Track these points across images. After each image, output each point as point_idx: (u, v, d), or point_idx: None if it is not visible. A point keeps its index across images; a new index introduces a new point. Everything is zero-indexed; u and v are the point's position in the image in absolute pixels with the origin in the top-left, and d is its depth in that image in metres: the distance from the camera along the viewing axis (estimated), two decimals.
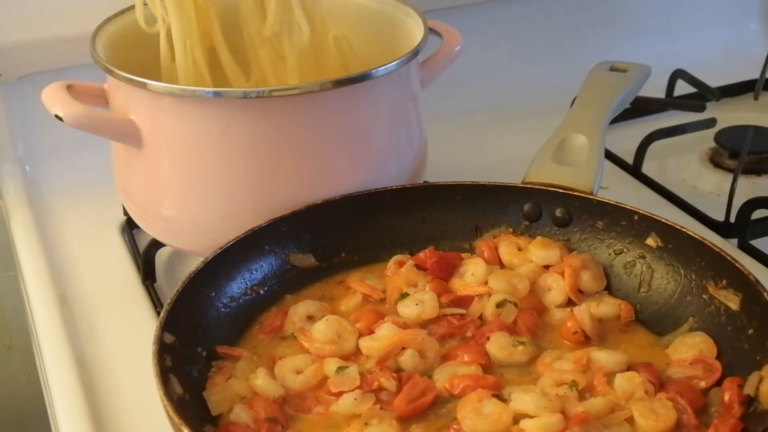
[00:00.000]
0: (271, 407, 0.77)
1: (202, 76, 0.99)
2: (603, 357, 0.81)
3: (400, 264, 0.93)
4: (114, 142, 0.99)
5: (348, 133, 0.95)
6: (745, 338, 0.81)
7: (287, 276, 0.93)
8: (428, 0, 1.10)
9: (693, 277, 0.87)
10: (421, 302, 0.87)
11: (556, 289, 0.91)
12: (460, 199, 0.98)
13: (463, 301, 0.89)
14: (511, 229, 0.98)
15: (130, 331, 0.97)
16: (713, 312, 0.84)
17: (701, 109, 1.30)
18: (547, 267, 0.93)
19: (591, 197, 0.94)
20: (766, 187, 1.20)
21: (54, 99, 0.92)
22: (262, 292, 0.91)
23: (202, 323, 0.85)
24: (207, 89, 0.90)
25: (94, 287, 1.05)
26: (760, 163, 1.22)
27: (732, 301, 0.83)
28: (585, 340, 0.85)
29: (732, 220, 1.09)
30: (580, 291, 0.91)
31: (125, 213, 1.12)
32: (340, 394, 0.79)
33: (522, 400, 0.75)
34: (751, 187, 1.20)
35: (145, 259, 1.04)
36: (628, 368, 0.80)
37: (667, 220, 0.90)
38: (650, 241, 0.91)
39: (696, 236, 0.88)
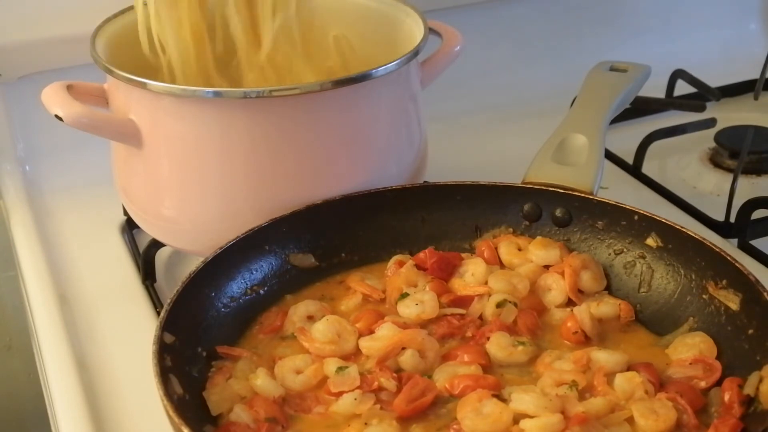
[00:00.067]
0: (271, 407, 0.77)
1: None
2: (603, 357, 0.81)
3: (400, 264, 0.93)
4: (114, 142, 0.99)
5: (348, 133, 0.95)
6: (745, 338, 0.81)
7: (287, 276, 0.93)
8: (428, 0, 1.10)
9: (693, 277, 0.87)
10: (421, 302, 0.87)
11: (556, 289, 0.91)
12: (460, 199, 0.98)
13: (463, 301, 0.89)
14: (511, 229, 0.98)
15: (130, 331, 0.97)
16: (713, 312, 0.84)
17: (701, 109, 1.30)
18: (547, 267, 0.93)
19: (591, 197, 0.94)
20: (766, 187, 1.20)
21: (54, 99, 0.92)
22: (262, 292, 0.91)
23: (202, 323, 0.85)
24: (207, 89, 0.90)
25: (94, 287, 1.05)
26: (760, 163, 1.22)
27: (732, 301, 0.83)
28: (585, 340, 0.85)
29: (732, 220, 1.09)
30: (580, 291, 0.91)
31: (125, 213, 1.12)
32: (340, 394, 0.79)
33: (522, 400, 0.75)
34: (751, 187, 1.20)
35: (145, 259, 1.04)
36: (628, 368, 0.80)
37: (667, 220, 0.90)
38: (650, 241, 0.91)
39: (696, 236, 0.88)
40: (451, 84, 1.18)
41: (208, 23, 0.99)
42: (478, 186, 0.98)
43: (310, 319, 0.88)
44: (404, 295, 0.89)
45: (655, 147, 1.23)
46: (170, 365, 0.77)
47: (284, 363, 0.82)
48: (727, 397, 0.76)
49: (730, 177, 1.15)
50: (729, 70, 1.45)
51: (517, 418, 0.74)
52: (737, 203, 1.09)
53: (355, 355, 0.84)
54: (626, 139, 1.25)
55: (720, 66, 1.48)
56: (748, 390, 0.76)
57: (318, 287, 0.94)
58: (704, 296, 0.86)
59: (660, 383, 0.79)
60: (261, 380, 0.80)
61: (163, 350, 0.77)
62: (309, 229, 0.95)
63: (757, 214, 1.08)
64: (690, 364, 0.81)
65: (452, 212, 0.98)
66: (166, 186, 0.96)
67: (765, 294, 0.80)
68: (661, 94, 1.39)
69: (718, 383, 0.79)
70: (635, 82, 1.11)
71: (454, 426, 0.75)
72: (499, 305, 0.87)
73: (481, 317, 0.88)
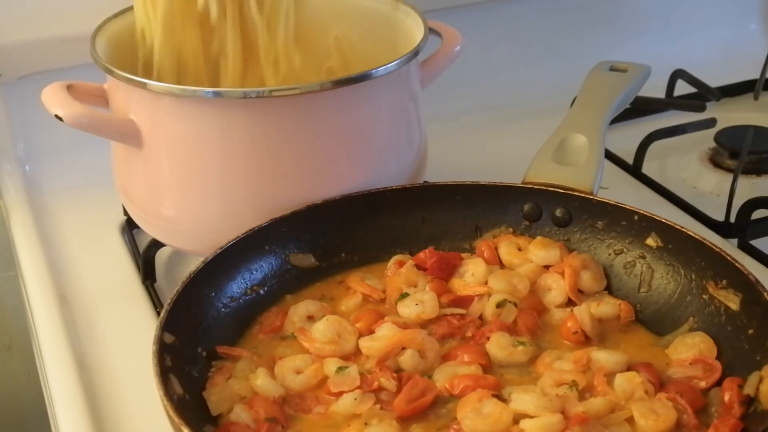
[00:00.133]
0: (271, 407, 0.77)
1: None
2: (603, 357, 0.81)
3: (400, 264, 0.93)
4: (114, 142, 0.99)
5: (348, 133, 0.95)
6: (745, 338, 0.81)
7: (287, 276, 0.93)
8: (428, 0, 1.10)
9: (693, 277, 0.87)
10: (421, 302, 0.87)
11: (556, 289, 0.91)
12: (460, 199, 0.98)
13: (463, 301, 0.89)
14: (511, 229, 0.98)
15: (130, 331, 0.97)
16: (713, 312, 0.84)
17: (701, 109, 1.30)
18: (547, 267, 0.93)
19: (591, 197, 0.94)
20: (766, 187, 1.20)
21: (54, 99, 0.92)
22: (262, 292, 0.91)
23: (202, 323, 0.85)
24: (207, 89, 0.90)
25: (94, 287, 1.05)
26: (760, 163, 1.22)
27: (732, 301, 0.83)
28: (585, 340, 0.85)
29: (732, 220, 1.09)
30: (580, 291, 0.91)
31: (125, 213, 1.12)
32: (340, 394, 0.79)
33: (522, 400, 0.75)
34: (751, 187, 1.20)
35: (145, 259, 1.04)
36: (628, 368, 0.80)
37: (667, 220, 0.90)
38: (650, 241, 0.91)
39: (696, 236, 0.88)
40: (451, 84, 1.18)
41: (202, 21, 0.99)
42: (478, 186, 0.98)
43: (310, 319, 0.88)
44: (404, 295, 0.89)
45: (655, 147, 1.23)
46: (170, 365, 0.77)
47: (284, 363, 0.82)
48: (727, 397, 0.76)
49: (730, 177, 1.15)
50: (729, 70, 1.45)
51: (517, 418, 0.74)
52: (737, 203, 1.09)
53: (355, 355, 0.84)
54: (626, 139, 1.25)
55: (720, 66, 1.48)
56: (748, 390, 0.76)
57: (318, 287, 0.94)
58: (704, 296, 0.86)
59: (660, 383, 0.79)
60: (261, 380, 0.80)
61: (163, 350, 0.77)
62: (309, 229, 0.95)
63: (757, 214, 1.08)
64: (690, 364, 0.81)
65: (452, 212, 0.98)
66: (166, 186, 0.96)
67: (765, 294, 0.80)
68: (661, 94, 1.39)
69: (718, 383, 0.79)
70: (635, 82, 1.11)
71: (454, 426, 0.75)
72: (499, 305, 0.87)
73: (481, 317, 0.88)
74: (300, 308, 0.89)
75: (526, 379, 0.81)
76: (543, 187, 0.96)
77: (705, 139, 1.28)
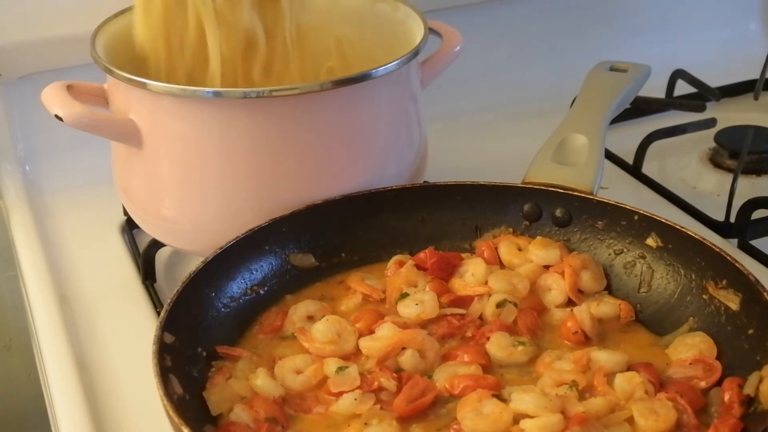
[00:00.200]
0: (271, 407, 0.77)
1: None
2: (603, 357, 0.81)
3: (400, 264, 0.93)
4: (114, 142, 0.99)
5: (348, 133, 0.95)
6: (745, 338, 0.81)
7: (287, 276, 0.93)
8: (428, 0, 1.10)
9: (693, 277, 0.87)
10: (421, 302, 0.87)
11: (556, 289, 0.91)
12: (460, 199, 0.98)
13: (463, 301, 0.89)
14: (511, 229, 0.98)
15: (130, 331, 0.97)
16: (713, 312, 0.84)
17: (701, 109, 1.30)
18: (547, 267, 0.93)
19: (591, 197, 0.94)
20: (766, 187, 1.20)
21: (54, 99, 0.92)
22: (262, 292, 0.91)
23: (202, 323, 0.85)
24: (207, 89, 0.90)
25: (94, 287, 1.05)
26: (760, 163, 1.22)
27: (732, 301, 0.83)
28: (585, 340, 0.85)
29: (732, 220, 1.09)
30: (580, 291, 0.91)
31: (125, 213, 1.12)
32: (340, 394, 0.79)
33: (522, 400, 0.75)
34: (751, 187, 1.20)
35: (145, 259, 1.04)
36: (628, 368, 0.80)
37: (667, 220, 0.90)
38: (650, 241, 0.91)
39: (696, 236, 0.88)
40: (451, 84, 1.18)
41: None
42: (478, 186, 0.98)
43: (310, 319, 0.88)
44: (404, 295, 0.89)
45: (655, 147, 1.23)
46: (170, 365, 0.77)
47: (284, 363, 0.82)
48: (727, 397, 0.76)
49: (730, 177, 1.15)
50: (729, 70, 1.45)
51: (517, 418, 0.74)
52: (737, 203, 1.09)
53: (355, 355, 0.84)
54: (626, 139, 1.25)
55: (720, 66, 1.48)
56: (748, 390, 0.76)
57: (318, 287, 0.94)
58: (704, 296, 0.86)
59: (660, 383, 0.79)
60: (261, 380, 0.80)
61: (163, 350, 0.77)
62: (309, 229, 0.95)
63: (757, 214, 1.08)
64: (690, 364, 0.81)
65: (452, 212, 0.98)
66: (166, 186, 0.96)
67: (765, 294, 0.80)
68: (661, 94, 1.39)
69: (718, 383, 0.79)
70: (635, 82, 1.11)
71: (454, 426, 0.75)
72: (499, 305, 0.87)
73: (481, 317, 0.88)
74: (300, 308, 0.89)
75: (526, 379, 0.81)
76: (543, 187, 0.96)
77: (705, 139, 1.28)
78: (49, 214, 1.18)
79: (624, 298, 0.90)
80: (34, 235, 1.13)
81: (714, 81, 1.40)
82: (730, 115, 1.34)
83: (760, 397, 0.75)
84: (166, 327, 0.79)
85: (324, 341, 0.84)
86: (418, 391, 0.78)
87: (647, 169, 1.22)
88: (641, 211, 0.92)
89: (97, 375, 0.92)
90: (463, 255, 0.95)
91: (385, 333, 0.84)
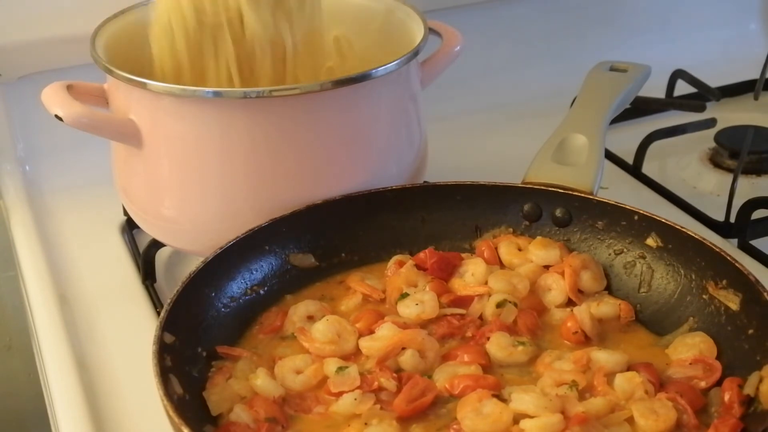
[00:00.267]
0: (271, 407, 0.77)
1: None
2: (603, 357, 0.81)
3: (400, 264, 0.93)
4: (114, 142, 0.99)
5: (348, 133, 0.95)
6: (745, 338, 0.81)
7: (287, 276, 0.93)
8: (428, 0, 1.10)
9: (693, 277, 0.87)
10: (421, 302, 0.87)
11: (556, 289, 0.91)
12: (460, 199, 0.98)
13: (463, 301, 0.89)
14: (511, 229, 0.98)
15: (130, 331, 0.97)
16: (713, 312, 0.84)
17: (701, 109, 1.30)
18: (547, 267, 0.93)
19: (591, 197, 0.94)
20: (766, 187, 1.20)
21: (54, 99, 0.92)
22: (262, 292, 0.91)
23: (202, 323, 0.85)
24: (207, 89, 0.90)
25: (94, 287, 1.05)
26: (760, 163, 1.22)
27: (732, 301, 0.83)
28: (585, 340, 0.85)
29: (732, 220, 1.09)
30: (580, 291, 0.91)
31: (125, 213, 1.12)
32: (340, 394, 0.79)
33: (522, 400, 0.75)
34: (751, 187, 1.19)
35: (145, 259, 1.04)
36: (628, 368, 0.80)
37: (667, 220, 0.90)
38: (650, 241, 0.91)
39: (696, 236, 0.88)
40: (451, 84, 1.18)
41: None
42: (478, 186, 0.98)
43: (310, 319, 0.88)
44: (404, 295, 0.89)
45: (655, 147, 1.23)
46: (170, 365, 0.77)
47: (284, 363, 0.82)
48: (727, 397, 0.76)
49: (730, 177, 1.15)
50: (729, 70, 1.45)
51: (517, 418, 0.74)
52: (737, 203, 1.09)
53: (355, 355, 0.84)
54: (626, 139, 1.25)
55: (720, 66, 1.48)
56: (748, 390, 0.76)
57: (318, 287, 0.94)
58: (704, 296, 0.86)
59: (660, 383, 0.79)
60: (261, 380, 0.80)
61: (163, 350, 0.77)
62: (309, 229, 0.95)
63: (757, 214, 1.08)
64: (690, 364, 0.81)
65: (452, 212, 0.98)
66: (166, 186, 0.96)
67: (765, 294, 0.80)
68: (661, 94, 1.39)
69: (718, 383, 0.79)
70: (635, 82, 1.11)
71: (454, 426, 0.75)
72: (499, 305, 0.87)
73: (481, 317, 0.88)
74: (300, 308, 0.89)
75: (526, 379, 0.81)
76: (543, 187, 0.96)
77: (705, 139, 1.28)
78: (49, 214, 1.18)
79: (624, 298, 0.90)
80: (34, 235, 1.13)
81: (714, 81, 1.40)
82: (730, 115, 1.34)
83: (760, 397, 0.75)
84: (166, 327, 0.79)
85: (324, 341, 0.84)
86: (418, 391, 0.78)
87: (647, 169, 1.22)
88: (641, 211, 0.92)
89: (97, 375, 0.92)
90: (463, 255, 0.95)
91: (385, 333, 0.84)
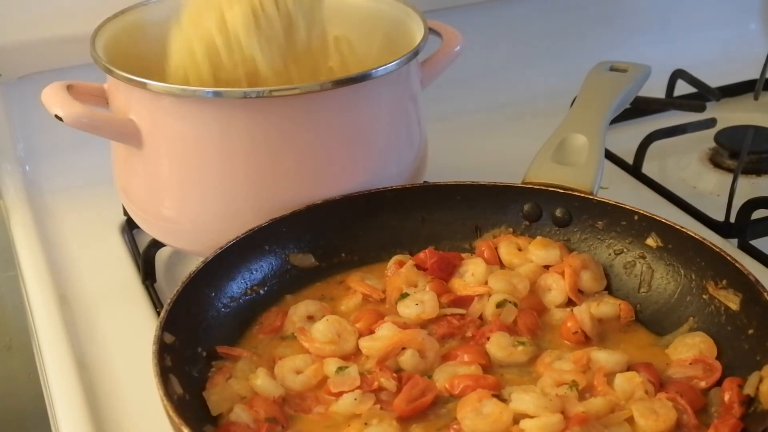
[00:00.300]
0: (271, 407, 0.77)
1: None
2: (603, 357, 0.81)
3: (400, 264, 0.93)
4: (114, 142, 0.99)
5: (348, 133, 0.95)
6: (745, 338, 0.81)
7: (287, 276, 0.93)
8: (428, 0, 1.10)
9: (693, 277, 0.87)
10: (421, 302, 0.87)
11: (556, 289, 0.91)
12: (460, 199, 0.98)
13: (463, 301, 0.89)
14: (511, 229, 0.98)
15: (130, 331, 0.97)
16: (713, 312, 0.84)
17: (701, 109, 1.30)
18: (547, 267, 0.93)
19: (591, 197, 0.94)
20: (766, 187, 1.20)
21: (54, 99, 0.92)
22: (262, 292, 0.91)
23: (202, 323, 0.85)
24: (207, 89, 0.90)
25: (94, 287, 1.05)
26: (760, 163, 1.22)
27: (732, 301, 0.83)
28: (585, 340, 0.85)
29: (732, 220, 1.09)
30: (580, 291, 0.91)
31: (125, 213, 1.12)
32: (340, 394, 0.79)
33: (522, 400, 0.75)
34: (751, 187, 1.19)
35: (145, 259, 1.04)
36: (628, 368, 0.80)
37: (667, 220, 0.90)
38: (650, 241, 0.91)
39: (696, 236, 0.88)
40: (451, 84, 1.18)
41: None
42: (478, 186, 0.98)
43: (310, 319, 0.88)
44: (404, 295, 0.89)
45: (655, 147, 1.23)
46: (170, 365, 0.77)
47: (284, 363, 0.82)
48: (727, 397, 0.76)
49: (730, 177, 1.15)
50: (729, 70, 1.45)
51: (517, 418, 0.74)
52: (737, 203, 1.09)
53: (355, 355, 0.84)
54: (626, 139, 1.25)
55: (720, 66, 1.48)
56: (748, 390, 0.76)
57: (318, 287, 0.94)
58: (704, 296, 0.86)
59: (660, 383, 0.79)
60: (261, 380, 0.80)
61: (163, 350, 0.77)
62: (309, 229, 0.95)
63: (757, 214, 1.08)
64: (690, 364, 0.81)
65: (452, 212, 0.98)
66: (166, 186, 0.96)
67: (765, 294, 0.80)
68: (661, 94, 1.39)
69: (718, 383, 0.79)
70: (635, 82, 1.11)
71: (454, 426, 0.75)
72: (499, 305, 0.87)
73: (481, 317, 0.88)
74: (300, 308, 0.89)
75: (526, 379, 0.81)
76: (543, 187, 0.96)
77: (705, 139, 1.28)
78: (49, 214, 1.18)
79: (624, 298, 0.90)
80: (34, 235, 1.13)
81: (714, 81, 1.40)
82: (730, 115, 1.34)
83: (760, 397, 0.75)
84: (166, 327, 0.79)
85: (324, 341, 0.84)
86: (418, 391, 0.78)
87: (647, 169, 1.22)
88: (641, 211, 0.92)
89: (97, 375, 0.92)
90: (463, 255, 0.95)
91: (385, 333, 0.84)
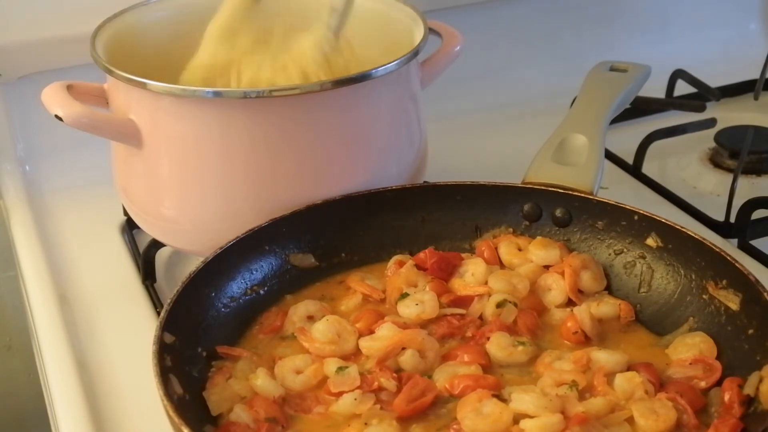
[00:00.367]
0: (271, 407, 0.77)
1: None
2: (603, 357, 0.81)
3: (400, 264, 0.93)
4: (114, 142, 0.99)
5: (348, 133, 0.95)
6: (745, 338, 0.81)
7: (287, 276, 0.93)
8: (428, 0, 1.10)
9: (693, 277, 0.87)
10: (421, 302, 0.87)
11: (556, 289, 0.91)
12: (460, 199, 0.98)
13: (463, 301, 0.89)
14: (511, 229, 0.98)
15: (130, 331, 0.97)
16: (713, 312, 0.84)
17: (701, 109, 1.30)
18: (547, 267, 0.93)
19: (591, 197, 0.94)
20: (766, 187, 1.20)
21: (54, 99, 0.92)
22: (262, 292, 0.91)
23: (202, 323, 0.85)
24: (207, 89, 0.90)
25: (94, 287, 1.05)
26: (760, 163, 1.22)
27: (732, 301, 0.83)
28: (585, 340, 0.85)
29: (732, 220, 1.09)
30: (580, 291, 0.91)
31: (125, 213, 1.12)
32: (340, 394, 0.79)
33: (522, 400, 0.75)
34: (751, 187, 1.19)
35: (145, 259, 1.04)
36: (628, 368, 0.80)
37: (667, 220, 0.90)
38: (650, 241, 0.91)
39: (696, 236, 0.88)
40: (451, 84, 1.18)
41: None
42: (478, 186, 0.98)
43: (310, 319, 0.88)
44: (404, 295, 0.89)
45: (655, 147, 1.23)
46: (170, 365, 0.77)
47: (284, 363, 0.82)
48: (727, 397, 0.76)
49: (730, 177, 1.15)
50: (729, 70, 1.46)
51: (517, 418, 0.74)
52: (737, 203, 1.09)
53: (355, 355, 0.84)
54: (626, 139, 1.25)
55: (720, 66, 1.48)
56: (748, 390, 0.76)
57: (318, 287, 0.94)
58: (704, 296, 0.86)
59: (660, 383, 0.79)
60: (261, 380, 0.80)
61: (163, 350, 0.77)
62: (309, 229, 0.95)
63: (757, 214, 1.08)
64: (690, 364, 0.81)
65: (452, 212, 0.98)
66: (166, 186, 0.96)
67: (765, 294, 0.80)
68: (661, 94, 1.39)
69: (718, 383, 0.79)
70: (635, 82, 1.11)
71: (454, 426, 0.75)
72: (499, 305, 0.87)
73: (481, 317, 0.88)
74: (300, 308, 0.89)
75: (526, 379, 0.81)
76: (543, 187, 0.96)
77: (705, 139, 1.28)
78: (49, 214, 1.18)
79: (624, 298, 0.90)
80: (34, 235, 1.13)
81: (714, 81, 1.40)
82: (730, 115, 1.34)
83: (760, 397, 0.75)
84: (166, 327, 0.79)
85: (324, 341, 0.84)
86: (418, 391, 0.78)
87: (647, 169, 1.22)
88: (641, 211, 0.92)
89: (97, 375, 0.92)
90: (463, 255, 0.95)
91: (385, 333, 0.84)
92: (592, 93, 1.09)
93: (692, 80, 1.40)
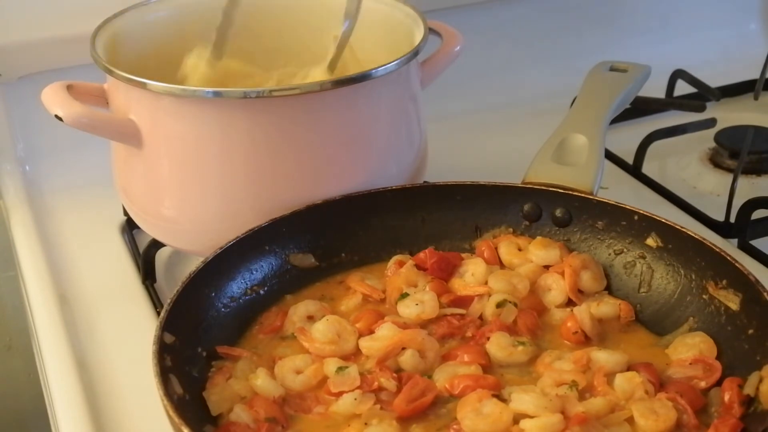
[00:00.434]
0: (271, 407, 0.77)
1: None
2: (603, 357, 0.81)
3: (400, 264, 0.93)
4: (114, 142, 0.99)
5: (348, 133, 0.95)
6: (745, 338, 0.81)
7: (287, 276, 0.93)
8: (428, 0, 1.10)
9: (693, 277, 0.87)
10: (421, 302, 0.87)
11: (556, 289, 0.91)
12: (460, 199, 0.98)
13: (463, 301, 0.89)
14: (511, 229, 0.98)
15: (130, 331, 0.97)
16: (713, 312, 0.84)
17: (701, 109, 1.30)
18: (547, 267, 0.93)
19: (591, 197, 0.94)
20: (766, 187, 1.20)
21: (54, 99, 0.92)
22: (262, 292, 0.91)
23: (202, 323, 0.85)
24: (207, 89, 0.90)
25: (94, 287, 1.05)
26: (760, 163, 1.23)
27: (732, 301, 0.83)
28: (585, 340, 0.85)
29: (732, 220, 1.09)
30: (580, 291, 0.91)
31: (125, 213, 1.12)
32: (340, 394, 0.79)
33: (522, 400, 0.75)
34: (751, 187, 1.20)
35: (145, 259, 1.04)
36: (628, 368, 0.80)
37: (667, 220, 0.90)
38: (650, 241, 0.91)
39: (696, 236, 0.88)
40: (451, 84, 1.18)
41: None
42: (478, 186, 0.98)
43: (310, 319, 0.88)
44: (404, 295, 0.89)
45: (655, 147, 1.23)
46: (170, 365, 0.77)
47: (284, 363, 0.82)
48: (727, 397, 0.76)
49: (730, 177, 1.15)
50: (729, 70, 1.46)
51: (517, 418, 0.74)
52: (737, 203, 1.09)
53: (355, 355, 0.84)
54: (626, 139, 1.25)
55: (720, 66, 1.48)
56: (748, 390, 0.76)
57: (318, 287, 0.94)
58: (704, 296, 0.86)
59: (660, 383, 0.79)
60: (261, 380, 0.80)
61: (163, 350, 0.77)
62: (309, 229, 0.95)
63: (757, 214, 1.08)
64: (690, 364, 0.81)
65: (452, 212, 0.98)
66: (166, 186, 0.96)
67: (765, 294, 0.80)
68: (661, 94, 1.39)
69: (718, 383, 0.79)
70: (635, 82, 1.11)
71: (454, 426, 0.75)
72: (499, 305, 0.87)
73: (481, 317, 0.88)
74: (300, 308, 0.89)
75: (526, 379, 0.81)
76: (543, 187, 0.96)
77: (705, 139, 1.28)
78: (49, 214, 1.18)
79: (624, 298, 0.90)
80: (34, 235, 1.13)
81: (714, 81, 1.40)
82: (730, 115, 1.34)
83: (760, 397, 0.75)
84: (166, 327, 0.79)
85: (324, 341, 0.84)
86: (418, 391, 0.78)
87: (647, 169, 1.22)
88: (641, 211, 0.92)
89: (97, 375, 0.92)
90: (463, 255, 0.95)
91: (385, 333, 0.84)
92: (592, 93, 1.09)
93: (692, 80, 1.40)
